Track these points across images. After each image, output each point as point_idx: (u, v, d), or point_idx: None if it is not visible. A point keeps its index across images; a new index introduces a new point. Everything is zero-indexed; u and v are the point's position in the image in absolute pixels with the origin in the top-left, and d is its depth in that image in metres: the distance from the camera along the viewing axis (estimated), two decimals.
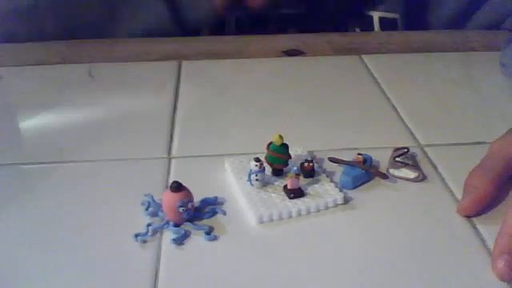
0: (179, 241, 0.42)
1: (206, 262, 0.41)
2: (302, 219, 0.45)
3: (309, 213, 0.45)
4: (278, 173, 0.48)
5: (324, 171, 0.49)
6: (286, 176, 0.47)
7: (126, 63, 0.68)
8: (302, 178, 0.47)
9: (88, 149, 0.52)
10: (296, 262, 0.41)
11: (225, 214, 0.45)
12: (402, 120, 0.58)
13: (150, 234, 0.43)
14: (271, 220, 0.44)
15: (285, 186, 0.46)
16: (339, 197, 0.46)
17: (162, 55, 0.70)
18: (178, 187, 0.43)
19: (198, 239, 0.43)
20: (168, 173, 0.49)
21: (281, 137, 0.47)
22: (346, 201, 0.46)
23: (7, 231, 0.44)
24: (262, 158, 0.47)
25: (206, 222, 0.44)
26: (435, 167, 0.51)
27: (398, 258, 0.42)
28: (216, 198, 0.46)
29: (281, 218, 0.45)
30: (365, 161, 0.48)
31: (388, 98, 0.62)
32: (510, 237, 0.41)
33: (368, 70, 0.68)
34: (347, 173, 0.48)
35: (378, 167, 0.50)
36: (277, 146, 0.47)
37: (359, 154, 0.49)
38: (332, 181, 0.48)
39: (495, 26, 0.74)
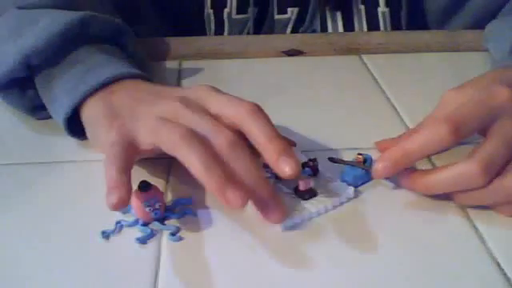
0: (143, 240, 0.43)
1: (205, 262, 0.41)
2: (318, 219, 0.45)
3: (327, 211, 0.45)
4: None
5: (326, 170, 0.49)
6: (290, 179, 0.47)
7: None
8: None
9: (90, 148, 0.52)
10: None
11: (195, 215, 0.45)
12: (402, 120, 0.58)
13: (116, 231, 0.43)
14: (295, 226, 0.44)
15: (296, 189, 0.46)
16: (350, 191, 0.46)
17: (162, 55, 0.70)
18: (145, 187, 0.43)
19: (197, 239, 0.43)
20: (168, 173, 0.49)
21: None
22: (356, 194, 0.47)
23: (6, 231, 0.44)
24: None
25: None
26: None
27: (397, 257, 0.42)
28: (190, 198, 0.46)
29: (303, 222, 0.44)
30: (365, 161, 0.48)
31: (388, 98, 0.62)
32: (403, 154, 0.44)
33: (368, 69, 0.68)
34: (347, 173, 0.48)
35: None
36: None
37: (359, 154, 0.49)
38: (336, 178, 0.48)
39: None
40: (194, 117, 0.43)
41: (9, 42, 0.52)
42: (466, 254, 0.42)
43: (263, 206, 0.41)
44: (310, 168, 0.48)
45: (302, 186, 0.45)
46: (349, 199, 0.46)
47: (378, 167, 0.45)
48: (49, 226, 0.44)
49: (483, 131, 0.45)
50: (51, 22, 0.52)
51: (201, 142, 0.42)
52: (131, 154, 0.44)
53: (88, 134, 0.50)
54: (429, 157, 0.50)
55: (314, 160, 0.48)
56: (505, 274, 0.40)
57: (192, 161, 0.41)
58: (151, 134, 0.43)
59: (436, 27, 0.78)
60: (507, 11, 0.72)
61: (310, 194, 0.46)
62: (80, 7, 0.56)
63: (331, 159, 0.50)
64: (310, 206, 0.45)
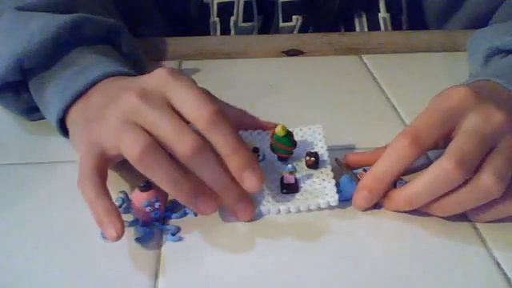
0: (143, 240, 0.43)
1: (205, 262, 0.41)
2: (291, 215, 0.45)
3: (299, 211, 0.45)
4: (284, 160, 0.48)
5: (330, 163, 0.48)
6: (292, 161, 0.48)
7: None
8: (305, 167, 0.47)
9: None
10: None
11: (195, 215, 0.45)
12: (402, 120, 0.58)
13: None
14: (261, 215, 0.45)
15: (282, 178, 0.46)
16: (333, 199, 0.45)
17: (162, 55, 0.70)
18: (145, 187, 0.43)
19: (197, 239, 0.43)
20: None
21: (284, 128, 0.46)
22: (342, 203, 0.46)
23: (6, 231, 0.44)
24: (267, 146, 0.47)
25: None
26: None
27: (397, 257, 0.42)
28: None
29: (269, 213, 0.45)
30: None
31: (388, 98, 0.62)
32: (374, 179, 0.44)
33: (368, 69, 0.68)
34: (342, 183, 0.47)
35: None
36: (279, 137, 0.46)
37: (364, 171, 0.47)
38: (334, 177, 0.47)
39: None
40: (155, 117, 0.42)
41: (2, 45, 0.53)
42: (466, 254, 0.42)
43: (232, 208, 0.44)
44: (306, 163, 0.47)
45: (285, 179, 0.46)
46: (330, 206, 0.45)
47: (357, 199, 0.45)
48: (48, 226, 0.44)
49: (449, 137, 0.44)
50: (44, 26, 0.52)
51: (163, 156, 0.41)
52: (103, 164, 0.43)
53: (70, 139, 0.50)
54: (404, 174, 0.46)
55: (315, 155, 0.47)
56: (505, 274, 0.40)
57: (159, 179, 0.41)
58: (114, 141, 0.42)
59: (435, 29, 0.78)
60: (498, 19, 0.72)
61: (290, 189, 0.45)
62: (78, 8, 0.56)
63: (337, 161, 0.49)
64: (284, 201, 0.45)
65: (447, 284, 0.40)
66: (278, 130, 0.46)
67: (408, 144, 0.43)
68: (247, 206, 0.44)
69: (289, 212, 0.45)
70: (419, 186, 0.43)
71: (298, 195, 0.45)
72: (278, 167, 0.48)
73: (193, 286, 0.39)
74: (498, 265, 0.41)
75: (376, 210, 0.46)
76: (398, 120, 0.58)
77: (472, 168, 0.42)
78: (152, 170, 0.41)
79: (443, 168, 0.41)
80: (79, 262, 0.41)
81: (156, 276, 0.40)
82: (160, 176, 0.41)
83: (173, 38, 0.73)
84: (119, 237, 0.40)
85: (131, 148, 0.41)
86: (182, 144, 0.41)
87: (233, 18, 0.74)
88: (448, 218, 0.45)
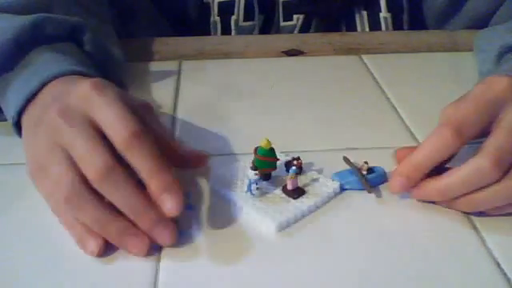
0: None
1: (205, 262, 0.41)
2: (313, 217, 0.45)
3: (317, 207, 0.45)
4: (266, 177, 0.47)
5: (309, 167, 0.49)
6: (273, 179, 0.47)
7: (126, 63, 0.68)
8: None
9: None
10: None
11: (194, 209, 0.45)
12: (402, 120, 0.58)
13: None
14: (289, 225, 0.44)
15: (284, 188, 0.46)
16: (336, 186, 0.46)
17: (162, 55, 0.70)
18: None
19: (197, 239, 0.43)
20: None
21: (268, 141, 0.46)
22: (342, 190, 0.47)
23: (5, 231, 0.44)
24: (250, 163, 0.46)
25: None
26: None
27: (397, 257, 0.42)
28: (190, 192, 0.46)
29: (296, 221, 0.44)
30: (370, 171, 0.47)
31: (388, 98, 0.62)
32: (413, 167, 0.44)
33: (368, 69, 0.68)
34: (341, 173, 0.48)
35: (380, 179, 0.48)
36: (265, 150, 0.46)
37: (365, 163, 0.47)
38: (321, 173, 0.48)
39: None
40: (71, 136, 0.41)
41: None
42: (466, 255, 0.42)
43: (150, 234, 0.41)
44: (296, 166, 0.47)
45: (289, 186, 0.46)
46: (336, 194, 0.46)
47: (394, 184, 0.45)
48: (49, 225, 0.44)
49: (489, 128, 0.44)
50: (4, 27, 0.51)
51: (88, 198, 0.40)
52: None
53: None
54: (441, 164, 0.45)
55: (298, 158, 0.48)
56: (505, 274, 0.40)
57: (87, 222, 0.41)
58: (41, 173, 0.43)
59: (435, 29, 0.78)
60: (499, 19, 0.72)
61: (299, 192, 0.46)
62: (53, 9, 0.55)
63: (345, 159, 0.49)
64: (301, 204, 0.45)
65: (447, 284, 0.40)
66: (264, 143, 0.46)
67: (451, 134, 0.43)
68: (164, 229, 0.41)
69: (303, 217, 0.45)
70: (453, 179, 0.43)
71: (307, 196, 0.46)
72: (282, 179, 0.47)
73: (192, 286, 0.39)
74: (498, 265, 0.41)
75: (375, 211, 0.46)
76: (398, 120, 0.58)
77: (507, 167, 0.42)
78: (78, 212, 0.41)
79: (478, 166, 0.42)
80: (79, 262, 0.41)
81: (156, 276, 0.40)
82: (87, 218, 0.40)
83: (173, 37, 0.73)
84: (99, 253, 0.40)
85: (55, 195, 0.41)
86: (90, 166, 0.40)
87: (233, 18, 0.74)
88: (448, 218, 0.45)
